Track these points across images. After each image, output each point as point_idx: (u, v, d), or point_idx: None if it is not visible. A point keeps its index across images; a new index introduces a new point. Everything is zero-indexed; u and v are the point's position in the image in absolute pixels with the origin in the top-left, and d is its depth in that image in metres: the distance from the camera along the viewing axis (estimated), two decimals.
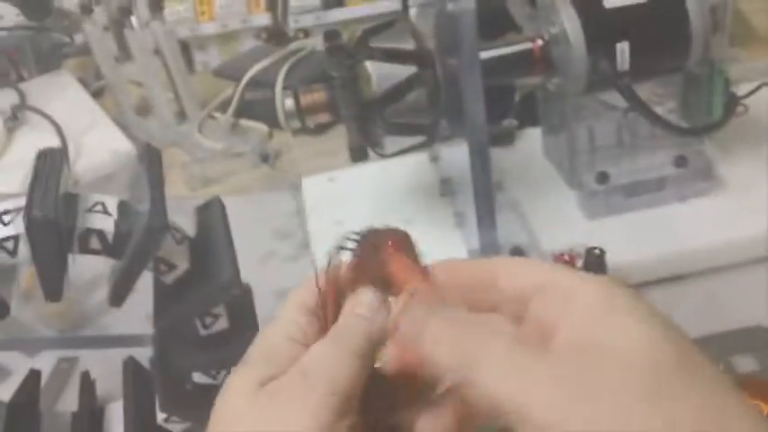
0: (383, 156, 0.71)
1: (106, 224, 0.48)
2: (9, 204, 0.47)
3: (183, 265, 0.50)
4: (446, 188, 0.82)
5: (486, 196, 0.65)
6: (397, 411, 0.31)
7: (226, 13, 1.21)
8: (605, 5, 0.67)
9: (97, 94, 1.18)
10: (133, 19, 1.02)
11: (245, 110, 1.08)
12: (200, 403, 0.54)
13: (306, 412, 0.28)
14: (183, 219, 0.53)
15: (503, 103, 0.75)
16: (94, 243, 0.48)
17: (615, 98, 0.71)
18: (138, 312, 0.56)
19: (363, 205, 0.83)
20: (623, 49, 0.66)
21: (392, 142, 0.69)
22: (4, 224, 0.46)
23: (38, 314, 0.75)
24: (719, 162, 0.76)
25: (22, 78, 1.22)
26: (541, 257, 0.69)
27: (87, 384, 0.62)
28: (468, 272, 0.31)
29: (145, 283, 0.50)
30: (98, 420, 0.60)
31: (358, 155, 0.71)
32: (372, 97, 0.65)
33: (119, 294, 0.49)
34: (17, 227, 0.46)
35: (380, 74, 0.65)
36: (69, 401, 0.66)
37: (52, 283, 0.47)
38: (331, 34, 0.67)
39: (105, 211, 0.48)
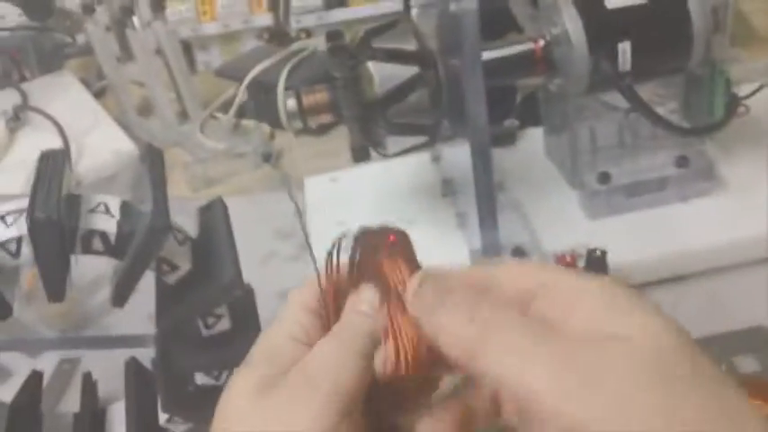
0: (385, 156, 0.71)
1: (109, 225, 0.48)
2: (12, 205, 0.47)
3: (185, 265, 0.50)
4: (448, 188, 0.82)
5: (487, 196, 0.65)
6: (399, 412, 0.31)
7: (228, 14, 1.21)
8: (607, 6, 0.67)
9: (99, 95, 1.18)
10: (135, 19, 1.02)
11: (246, 110, 1.08)
12: (202, 404, 0.54)
13: (309, 413, 0.27)
14: (186, 219, 0.53)
15: (504, 103, 0.75)
16: (97, 244, 0.48)
17: (617, 99, 0.71)
18: (140, 313, 0.56)
19: (365, 205, 0.83)
20: (625, 49, 0.66)
21: (394, 142, 0.69)
22: (7, 225, 0.47)
23: (40, 315, 0.75)
24: (721, 162, 0.76)
25: (24, 78, 1.22)
26: (543, 258, 0.69)
27: (89, 385, 0.62)
28: (470, 275, 0.31)
29: (147, 284, 0.50)
30: (100, 421, 0.60)
31: (360, 155, 0.71)
32: (374, 98, 0.65)
33: (121, 295, 0.49)
34: (20, 228, 0.46)
35: (382, 74, 0.65)
36: (71, 402, 0.66)
37: (55, 283, 0.47)
38: (333, 35, 0.67)
39: (108, 212, 0.48)
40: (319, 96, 0.67)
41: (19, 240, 0.46)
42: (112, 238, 0.48)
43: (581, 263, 0.65)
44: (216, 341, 0.52)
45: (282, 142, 1.02)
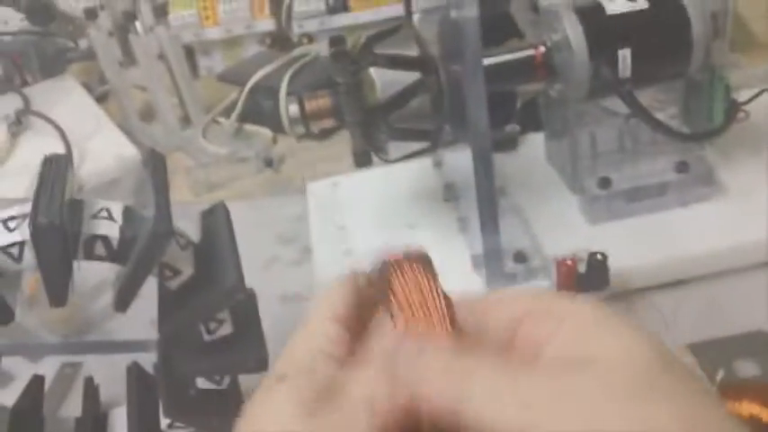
0: (387, 161, 0.71)
1: (111, 230, 0.48)
2: (14, 210, 0.48)
3: (187, 270, 0.50)
4: (449, 193, 0.83)
5: (489, 201, 0.66)
6: None
7: (230, 19, 1.21)
8: (607, 12, 0.67)
9: (101, 99, 1.19)
10: (137, 24, 1.03)
11: (249, 115, 1.08)
12: (203, 409, 0.54)
13: None
14: (188, 224, 0.53)
15: (505, 108, 0.75)
16: (99, 249, 0.48)
17: (617, 104, 0.71)
18: (142, 318, 0.56)
19: (367, 210, 0.83)
20: (625, 55, 0.67)
21: (396, 148, 0.69)
22: (10, 230, 0.47)
23: (42, 320, 0.75)
24: (721, 167, 0.76)
25: (26, 83, 1.22)
26: (544, 262, 0.69)
27: (91, 390, 0.62)
28: (461, 307, 0.31)
29: (149, 289, 0.50)
30: (101, 426, 0.61)
31: (362, 160, 0.71)
32: (376, 103, 0.65)
33: (123, 300, 0.49)
34: (22, 233, 0.46)
35: (384, 80, 0.65)
36: (73, 407, 0.66)
37: (57, 288, 0.47)
38: (336, 40, 0.67)
39: (110, 218, 0.48)
40: (321, 102, 0.68)
41: (21, 245, 0.46)
42: (115, 243, 0.48)
43: (582, 267, 0.66)
44: (218, 346, 0.53)
45: (284, 147, 1.03)
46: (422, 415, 0.29)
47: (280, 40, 1.22)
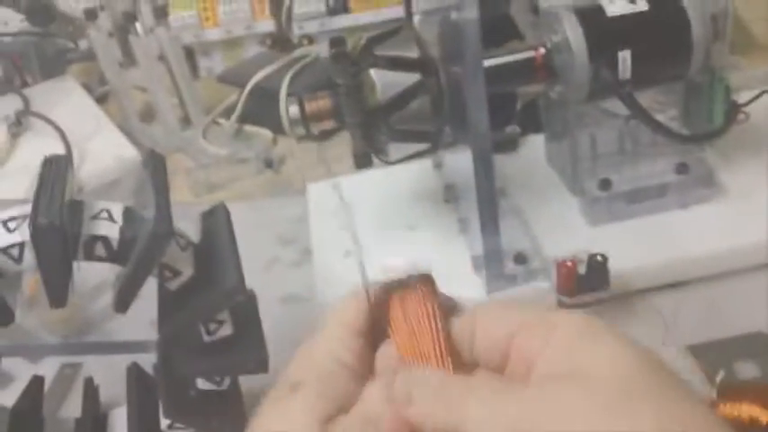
0: (387, 162, 0.71)
1: (111, 231, 0.48)
2: (14, 211, 0.48)
3: (187, 271, 0.50)
4: (450, 194, 0.83)
5: (489, 202, 0.66)
6: None
7: (230, 20, 1.21)
8: (607, 14, 0.67)
9: (101, 100, 1.19)
10: (138, 25, 1.03)
11: (249, 116, 1.08)
12: (203, 409, 0.54)
13: None
14: (188, 225, 0.53)
15: (505, 110, 0.75)
16: (99, 250, 0.48)
17: (617, 106, 0.71)
18: (142, 319, 0.56)
19: (368, 212, 0.83)
20: (625, 57, 0.67)
21: (396, 149, 0.69)
22: (10, 231, 0.47)
23: (42, 320, 0.75)
24: (721, 169, 0.76)
25: (26, 84, 1.22)
26: (544, 263, 0.69)
27: (91, 390, 0.62)
28: (456, 324, 0.32)
29: (149, 290, 0.50)
30: (101, 427, 0.60)
31: (362, 161, 0.71)
32: (377, 104, 0.65)
33: (123, 301, 0.49)
34: (23, 234, 0.46)
35: (385, 81, 0.65)
36: (72, 407, 0.66)
37: (57, 289, 0.47)
38: (336, 41, 0.67)
39: (110, 218, 0.48)
40: (322, 103, 0.68)
41: (21, 246, 0.46)
42: (115, 244, 0.48)
43: (582, 269, 0.66)
44: (218, 347, 0.53)
45: (284, 148, 1.03)
46: None
47: (280, 42, 1.22)
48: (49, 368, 0.71)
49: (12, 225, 0.47)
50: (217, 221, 0.55)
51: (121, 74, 1.08)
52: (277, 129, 1.03)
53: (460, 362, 0.30)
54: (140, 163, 0.57)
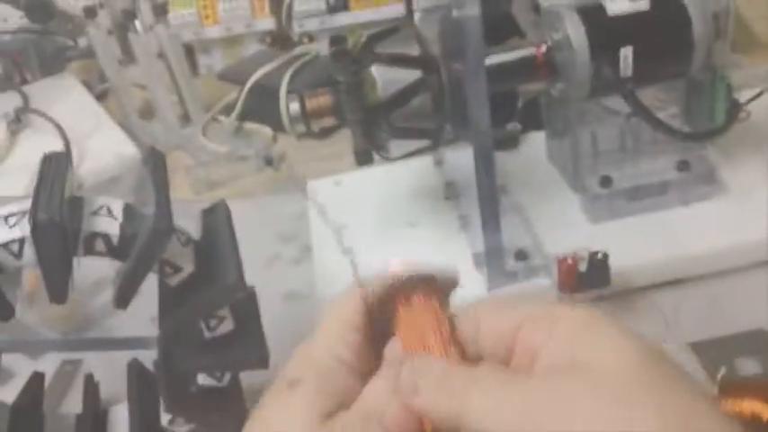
0: (388, 159, 0.71)
1: (111, 227, 0.48)
2: (14, 207, 0.47)
3: (187, 267, 0.50)
4: (450, 191, 0.82)
5: (490, 199, 0.65)
6: None
7: (230, 17, 1.21)
8: (608, 12, 0.67)
9: (101, 98, 1.18)
10: (137, 22, 1.03)
11: (249, 113, 1.08)
12: (204, 405, 0.54)
13: None
14: (188, 222, 0.53)
15: (506, 107, 0.75)
16: (99, 246, 0.48)
17: (618, 103, 0.71)
18: (142, 315, 0.56)
19: (368, 209, 0.83)
20: (626, 55, 0.67)
21: (397, 146, 0.69)
22: (10, 226, 0.47)
23: (42, 316, 0.75)
24: (722, 167, 0.76)
25: (25, 81, 1.22)
26: (545, 260, 0.69)
27: (91, 387, 0.62)
28: (461, 318, 0.32)
29: (150, 286, 0.50)
30: (102, 423, 0.60)
31: (363, 159, 0.71)
32: (377, 102, 0.65)
33: (123, 297, 0.49)
34: (22, 229, 0.46)
35: (385, 78, 0.65)
36: (73, 404, 0.66)
37: (57, 285, 0.47)
38: (336, 39, 0.67)
39: (110, 215, 0.48)
40: (322, 100, 0.68)
41: (21, 242, 0.46)
42: (115, 240, 0.48)
43: (583, 266, 0.66)
44: (218, 343, 0.52)
45: (285, 146, 1.03)
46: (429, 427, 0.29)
47: (280, 39, 1.22)
48: (49, 364, 0.71)
49: (12, 221, 0.47)
50: (217, 218, 0.55)
51: (121, 71, 1.08)
52: (277, 126, 1.03)
53: (465, 357, 0.30)
54: (140, 160, 0.57)
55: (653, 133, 0.74)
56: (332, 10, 1.20)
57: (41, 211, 0.45)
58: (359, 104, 0.67)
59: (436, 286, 0.33)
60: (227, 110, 1.10)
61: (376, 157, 0.71)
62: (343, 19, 1.20)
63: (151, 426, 0.56)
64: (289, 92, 1.01)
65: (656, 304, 0.67)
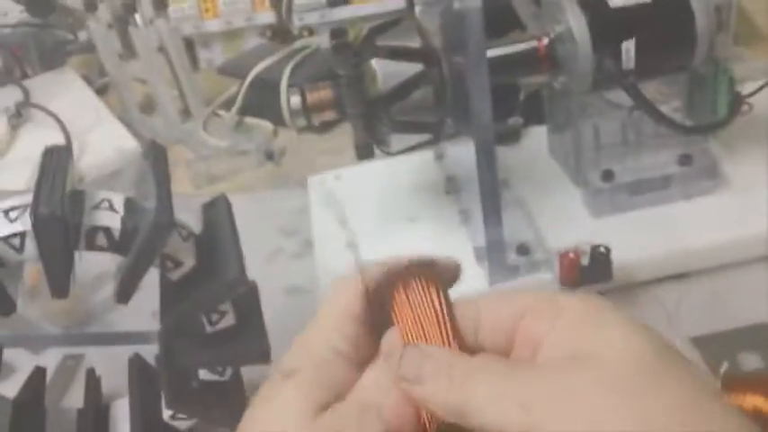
0: (389, 154, 0.71)
1: (113, 221, 0.48)
2: (15, 201, 0.47)
3: (189, 262, 0.50)
4: (451, 186, 0.82)
5: (491, 194, 0.65)
6: None
7: (230, 11, 1.21)
8: (611, 4, 0.67)
9: (101, 92, 1.18)
10: (137, 16, 1.02)
11: (249, 108, 1.08)
12: (206, 400, 0.54)
13: None
14: (190, 216, 0.53)
15: (508, 101, 0.75)
16: (101, 240, 0.48)
17: (620, 97, 0.71)
18: (144, 309, 0.56)
19: (369, 203, 0.83)
20: (629, 47, 0.66)
21: (398, 140, 0.69)
22: (11, 221, 0.47)
23: (43, 311, 0.75)
24: (724, 160, 0.76)
25: (26, 75, 1.22)
26: (547, 255, 0.69)
27: (93, 381, 0.62)
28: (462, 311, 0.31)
29: (151, 280, 0.50)
30: (103, 417, 0.60)
31: (363, 153, 0.71)
32: (378, 95, 0.65)
33: (125, 291, 0.49)
34: (24, 223, 0.46)
35: (386, 72, 0.65)
36: (75, 398, 0.66)
37: (58, 280, 0.47)
38: (337, 32, 0.67)
39: (112, 208, 0.48)
40: (323, 93, 0.67)
41: (23, 236, 0.46)
42: (116, 235, 0.48)
43: (585, 260, 0.65)
44: (220, 338, 0.52)
45: (285, 140, 1.02)
46: (427, 418, 0.29)
47: (280, 33, 1.22)
48: (50, 359, 0.71)
49: (13, 215, 0.46)
50: (218, 213, 0.55)
51: (121, 65, 1.07)
52: (277, 120, 1.03)
53: (465, 346, 0.30)
54: (140, 154, 0.57)
55: (655, 127, 0.74)
56: (332, 3, 1.19)
57: (43, 205, 0.44)
58: (360, 98, 0.66)
59: (435, 274, 0.32)
60: (228, 104, 1.10)
61: (377, 151, 0.71)
62: (343, 12, 1.20)
63: (153, 421, 0.56)
64: (289, 85, 1.01)
65: (658, 299, 0.67)
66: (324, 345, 0.31)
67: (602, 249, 0.66)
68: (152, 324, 0.54)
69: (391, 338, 0.31)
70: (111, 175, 0.98)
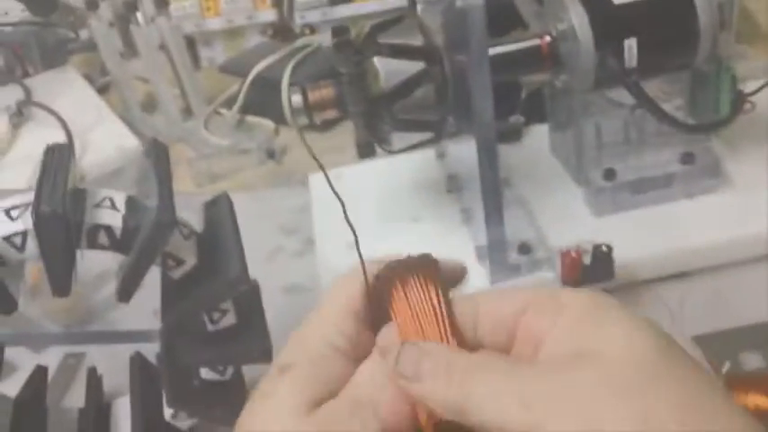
0: (390, 152, 0.71)
1: (114, 220, 0.48)
2: (17, 200, 0.47)
3: (190, 260, 0.50)
4: (453, 184, 0.82)
5: (493, 192, 0.65)
6: None
7: (231, 9, 1.21)
8: (613, 2, 0.67)
9: (103, 90, 1.18)
10: (138, 15, 1.02)
11: (251, 106, 1.08)
12: (207, 399, 0.54)
13: None
14: (191, 214, 0.53)
15: (509, 99, 0.75)
16: (102, 238, 0.48)
17: (622, 95, 0.71)
18: (145, 308, 0.56)
19: (370, 202, 0.83)
20: (631, 45, 0.66)
21: (399, 138, 0.68)
22: (13, 219, 0.46)
23: (45, 309, 0.75)
24: (727, 159, 0.75)
25: (27, 74, 1.22)
26: (548, 253, 0.69)
27: (94, 380, 0.62)
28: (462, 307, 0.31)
29: (152, 279, 0.50)
30: (105, 416, 0.60)
31: (365, 151, 0.71)
32: (380, 93, 0.65)
33: (126, 290, 0.49)
34: (25, 222, 0.46)
35: (388, 70, 0.64)
36: (76, 397, 0.66)
37: (60, 278, 0.47)
38: (339, 30, 0.67)
39: (113, 207, 0.48)
40: (325, 92, 0.67)
41: (24, 234, 0.46)
42: (118, 233, 0.47)
43: (587, 259, 0.65)
44: (221, 336, 0.52)
45: (286, 138, 1.02)
46: (424, 415, 0.28)
47: (282, 31, 1.22)
48: (52, 357, 0.71)
49: (14, 213, 0.46)
50: (220, 211, 0.55)
51: (122, 64, 1.08)
52: (279, 119, 1.03)
53: (464, 343, 0.30)
54: (142, 153, 0.57)
55: (657, 125, 0.73)
56: (333, 1, 1.19)
57: (44, 204, 0.44)
58: (361, 96, 0.66)
59: (434, 271, 0.32)
60: (229, 102, 1.09)
61: (378, 149, 0.71)
62: (344, 10, 1.20)
63: (154, 419, 0.56)
64: (291, 84, 1.01)
65: (661, 297, 0.67)
66: (321, 340, 0.31)
67: (603, 248, 0.65)
68: (153, 323, 0.54)
69: (387, 334, 0.31)
70: (113, 173, 0.98)
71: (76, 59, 1.27)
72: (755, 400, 0.53)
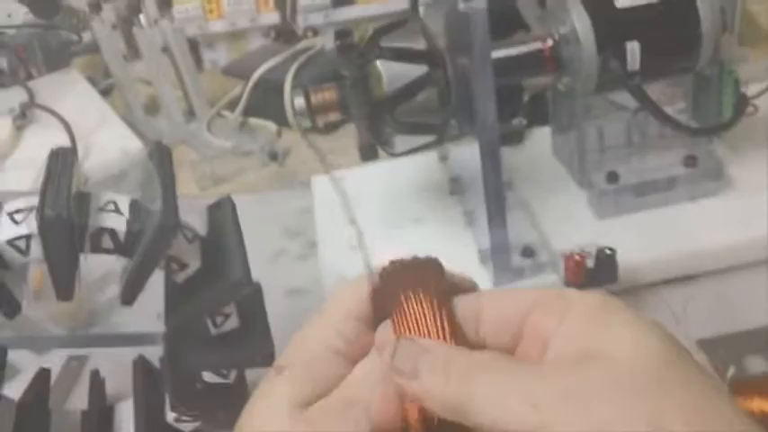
0: (393, 155, 0.71)
1: (118, 223, 0.48)
2: (21, 203, 0.47)
3: (194, 263, 0.50)
4: (455, 187, 0.82)
5: (496, 195, 0.65)
6: None
7: (234, 12, 1.21)
8: (616, 5, 0.67)
9: (106, 93, 1.19)
10: (142, 17, 1.02)
11: (253, 108, 1.08)
12: (210, 402, 0.54)
13: None
14: (194, 217, 0.53)
15: (512, 102, 0.75)
16: (106, 242, 0.48)
17: (625, 98, 0.71)
18: (148, 311, 0.56)
19: (373, 204, 0.83)
20: (633, 48, 0.66)
21: (402, 141, 0.69)
22: (17, 223, 0.46)
23: (48, 313, 0.75)
24: (729, 162, 0.75)
25: (30, 76, 1.22)
26: (552, 257, 0.69)
27: (97, 383, 0.62)
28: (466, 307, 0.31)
29: (156, 282, 0.50)
30: (108, 419, 0.60)
31: (368, 154, 0.71)
32: (383, 96, 0.65)
33: (130, 293, 0.49)
34: (30, 225, 0.46)
35: (391, 73, 0.65)
36: (79, 400, 0.66)
37: (64, 281, 0.47)
38: (342, 33, 0.67)
39: (117, 210, 0.48)
40: (327, 95, 0.67)
41: (28, 238, 0.46)
42: (122, 236, 0.48)
43: (590, 262, 0.65)
44: (224, 339, 0.52)
45: (289, 141, 1.02)
46: (415, 414, 0.28)
47: (284, 34, 1.22)
48: (55, 360, 0.71)
49: (18, 217, 0.46)
50: (223, 214, 0.55)
51: (126, 66, 1.08)
52: (281, 121, 1.03)
53: (466, 342, 0.29)
54: (145, 155, 0.56)
55: (660, 128, 0.74)
56: (336, 4, 1.19)
57: (49, 208, 0.44)
58: (364, 99, 0.66)
59: (435, 271, 0.32)
60: (232, 105, 1.10)
61: (381, 152, 0.71)
62: (347, 13, 1.20)
63: (157, 422, 0.56)
64: (293, 86, 1.01)
65: (665, 301, 0.67)
66: (320, 342, 0.31)
67: (607, 251, 0.65)
68: (157, 326, 0.54)
69: (384, 331, 0.30)
70: (116, 176, 0.98)
71: (79, 62, 1.27)
72: (761, 404, 0.53)
